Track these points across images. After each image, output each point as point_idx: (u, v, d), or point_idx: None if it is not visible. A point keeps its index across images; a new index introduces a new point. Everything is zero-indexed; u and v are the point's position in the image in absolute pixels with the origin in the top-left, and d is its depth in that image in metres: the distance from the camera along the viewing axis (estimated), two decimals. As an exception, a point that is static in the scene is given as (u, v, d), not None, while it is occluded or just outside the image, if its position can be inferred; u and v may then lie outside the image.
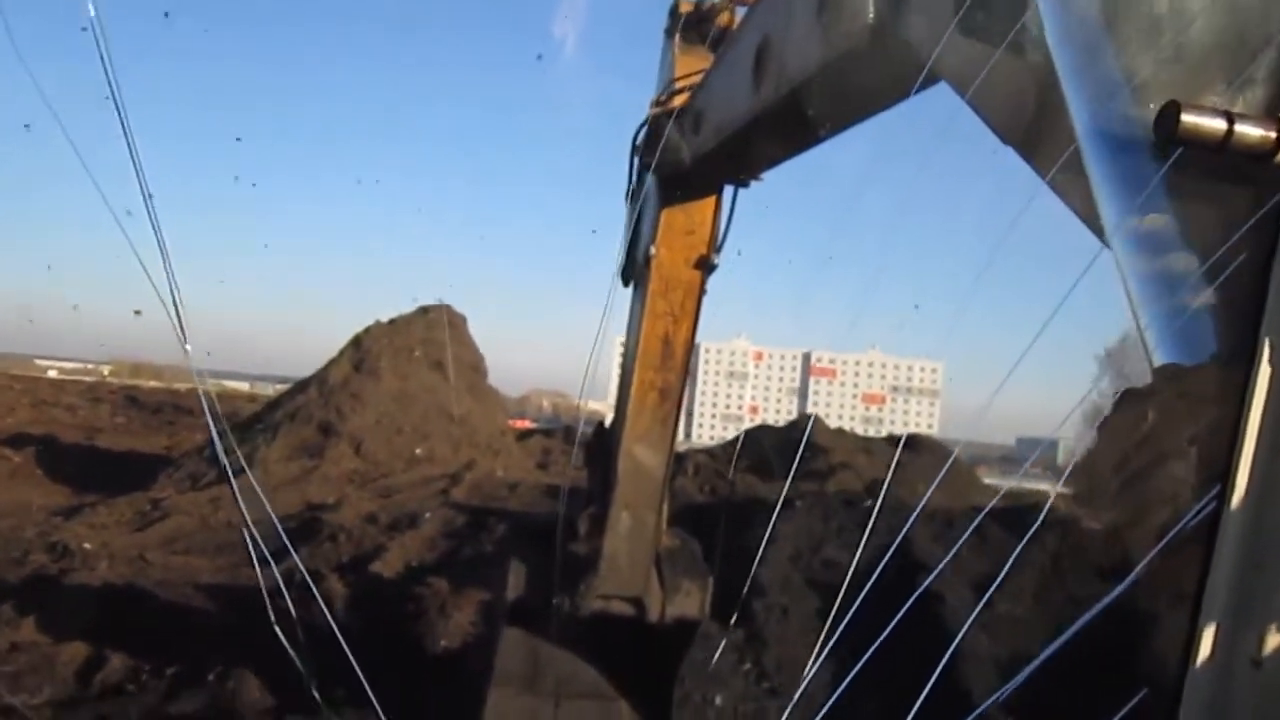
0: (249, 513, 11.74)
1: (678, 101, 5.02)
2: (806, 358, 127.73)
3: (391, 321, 19.56)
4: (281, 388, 23.15)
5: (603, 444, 5.76)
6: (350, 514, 13.70)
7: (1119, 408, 1.73)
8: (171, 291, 2.71)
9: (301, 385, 18.19)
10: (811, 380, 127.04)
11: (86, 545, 12.03)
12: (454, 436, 17.78)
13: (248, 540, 3.78)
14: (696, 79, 4.86)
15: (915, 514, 11.80)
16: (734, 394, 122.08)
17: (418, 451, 16.97)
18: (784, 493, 14.39)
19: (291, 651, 4.15)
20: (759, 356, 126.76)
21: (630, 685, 5.97)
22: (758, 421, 36.78)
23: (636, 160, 5.24)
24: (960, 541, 11.50)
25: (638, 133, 5.16)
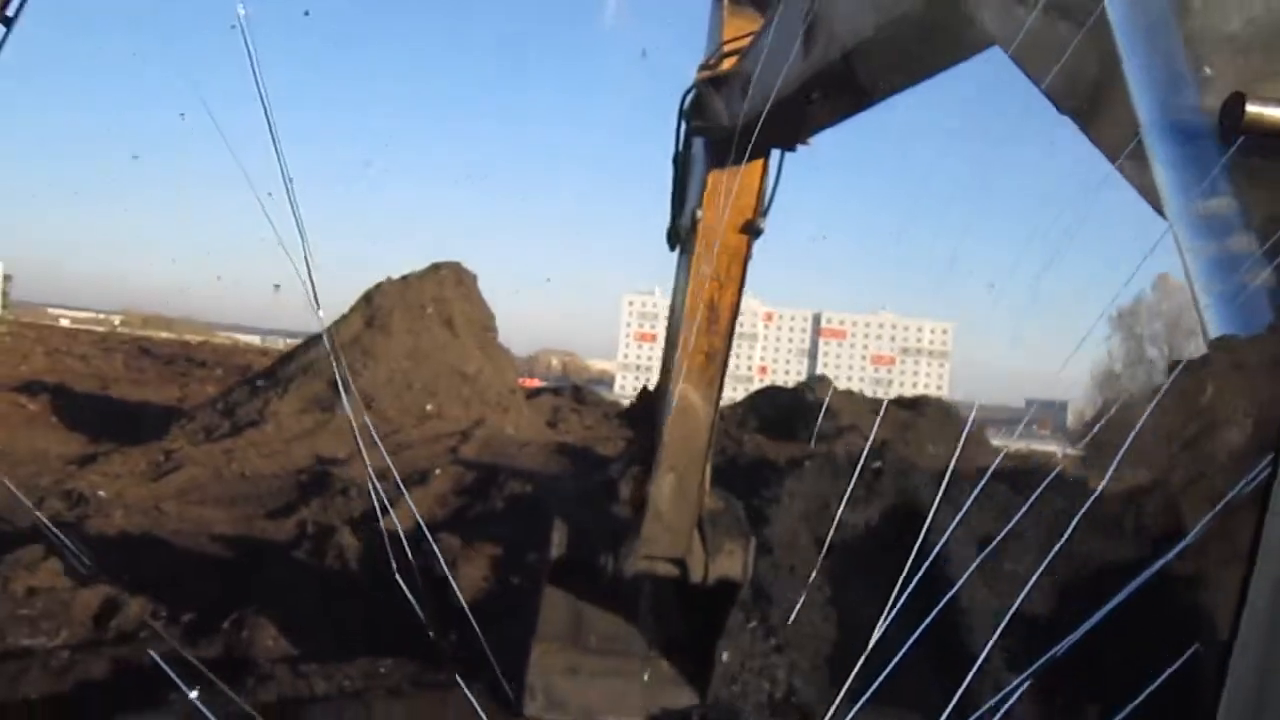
0: (263, 467, 11.75)
1: (727, 65, 5.02)
2: (817, 319, 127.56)
3: (403, 279, 19.62)
4: (293, 342, 23.25)
5: (648, 406, 5.99)
6: (360, 469, 13.81)
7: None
8: (307, 264, 2.92)
9: (313, 340, 18.26)
10: (821, 341, 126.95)
11: (102, 493, 12.18)
12: (464, 394, 17.87)
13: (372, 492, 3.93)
14: (745, 42, 4.83)
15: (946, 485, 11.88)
16: (744, 355, 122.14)
17: (428, 408, 17.07)
18: (808, 451, 14.50)
19: (412, 599, 4.34)
20: (769, 317, 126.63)
21: (672, 645, 6.21)
22: (767, 382, 36.80)
23: (684, 125, 5.24)
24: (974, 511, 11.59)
25: (685, 96, 5.16)
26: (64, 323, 61.81)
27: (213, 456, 14.49)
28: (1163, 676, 1.84)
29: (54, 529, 9.41)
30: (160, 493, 12.62)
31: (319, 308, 3.40)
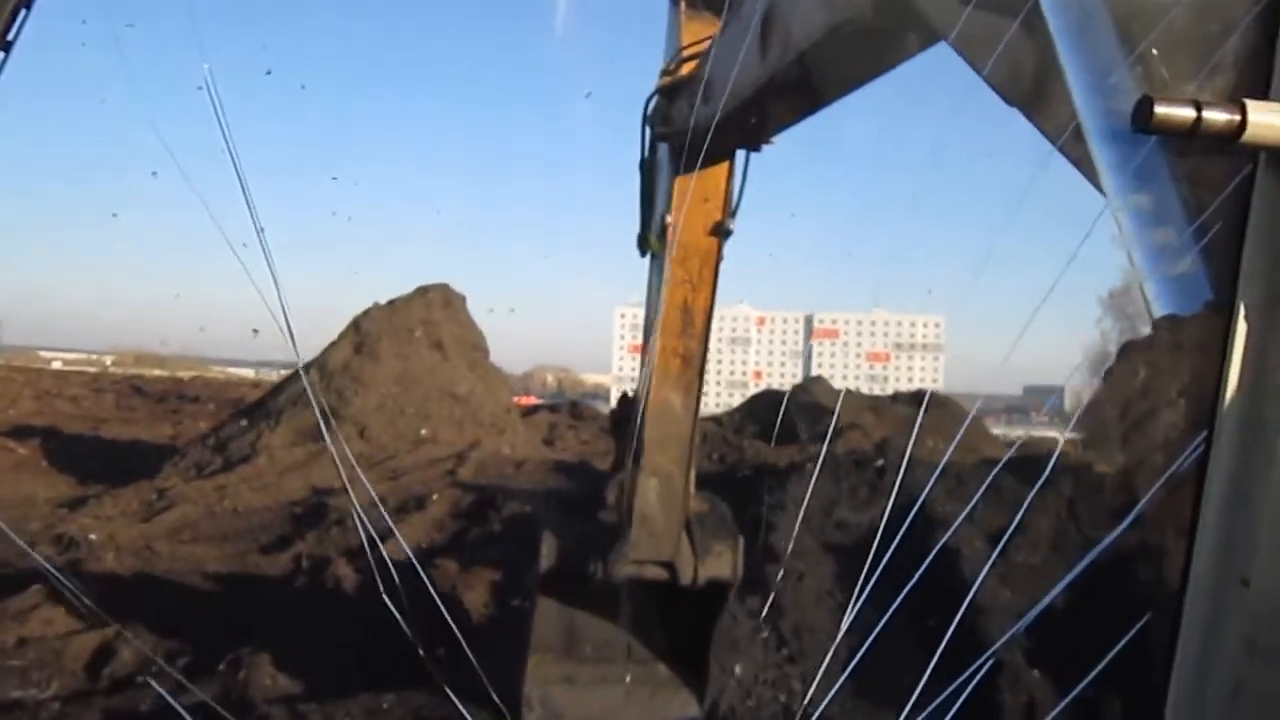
0: (255, 501, 11.53)
1: (686, 70, 5.04)
2: (809, 320, 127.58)
3: (390, 303, 19.40)
4: (286, 373, 23.02)
5: (628, 413, 5.80)
6: (357, 498, 13.57)
7: (1120, 358, 1.89)
8: (284, 313, 2.95)
9: (302, 370, 18.05)
10: (814, 342, 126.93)
11: (93, 536, 11.93)
12: (458, 416, 17.65)
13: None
14: (703, 47, 4.86)
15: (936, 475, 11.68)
16: (738, 360, 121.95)
17: (422, 432, 16.85)
18: (808, 453, 14.30)
19: (406, 628, 4.28)
20: (761, 321, 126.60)
21: (666, 648, 6.17)
22: (763, 386, 36.66)
23: (648, 130, 5.27)
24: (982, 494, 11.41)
25: (648, 103, 5.20)
26: (56, 365, 61.50)
27: (204, 493, 14.25)
28: (1118, 646, 1.92)
29: (53, 571, 9.21)
30: (152, 533, 12.38)
31: (298, 353, 3.49)
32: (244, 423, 17.29)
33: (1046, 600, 5.81)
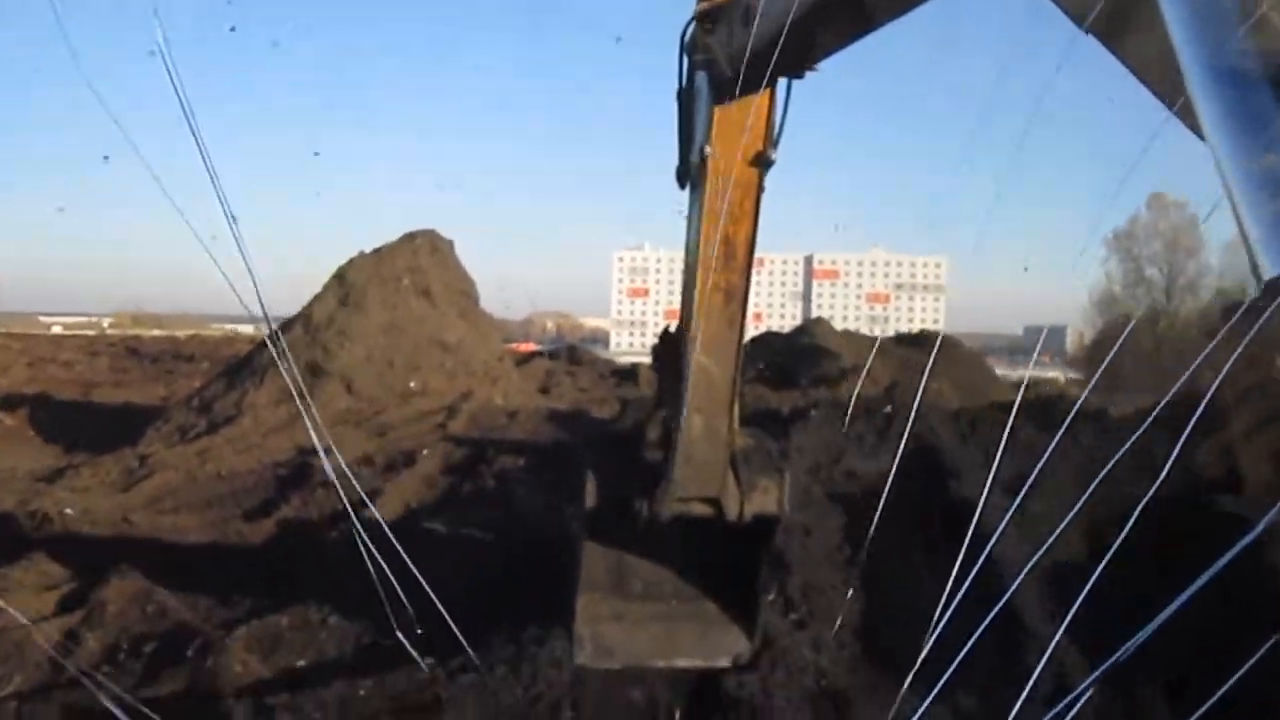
0: (239, 464, 10.95)
1: None
2: (809, 261, 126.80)
3: (376, 251, 18.69)
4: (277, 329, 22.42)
5: (670, 349, 5.71)
6: (344, 456, 13.06)
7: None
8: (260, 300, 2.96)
9: (286, 324, 17.43)
10: (815, 283, 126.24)
11: (68, 511, 11.41)
12: (448, 366, 17.07)
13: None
14: None
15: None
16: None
17: (411, 385, 16.28)
18: (811, 398, 13.78)
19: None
20: (760, 263, 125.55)
21: (714, 585, 6.13)
22: (762, 329, 36.06)
23: (686, 59, 5.12)
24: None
25: (685, 29, 5.00)
26: (56, 329, 61.08)
27: (186, 458, 13.72)
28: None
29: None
30: (130, 503, 11.86)
31: (267, 315, 3.38)
32: (233, 377, 16.70)
33: (1163, 616, 5.34)
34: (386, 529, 4.88)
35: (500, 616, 6.84)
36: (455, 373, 17.01)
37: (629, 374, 25.29)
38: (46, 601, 8.42)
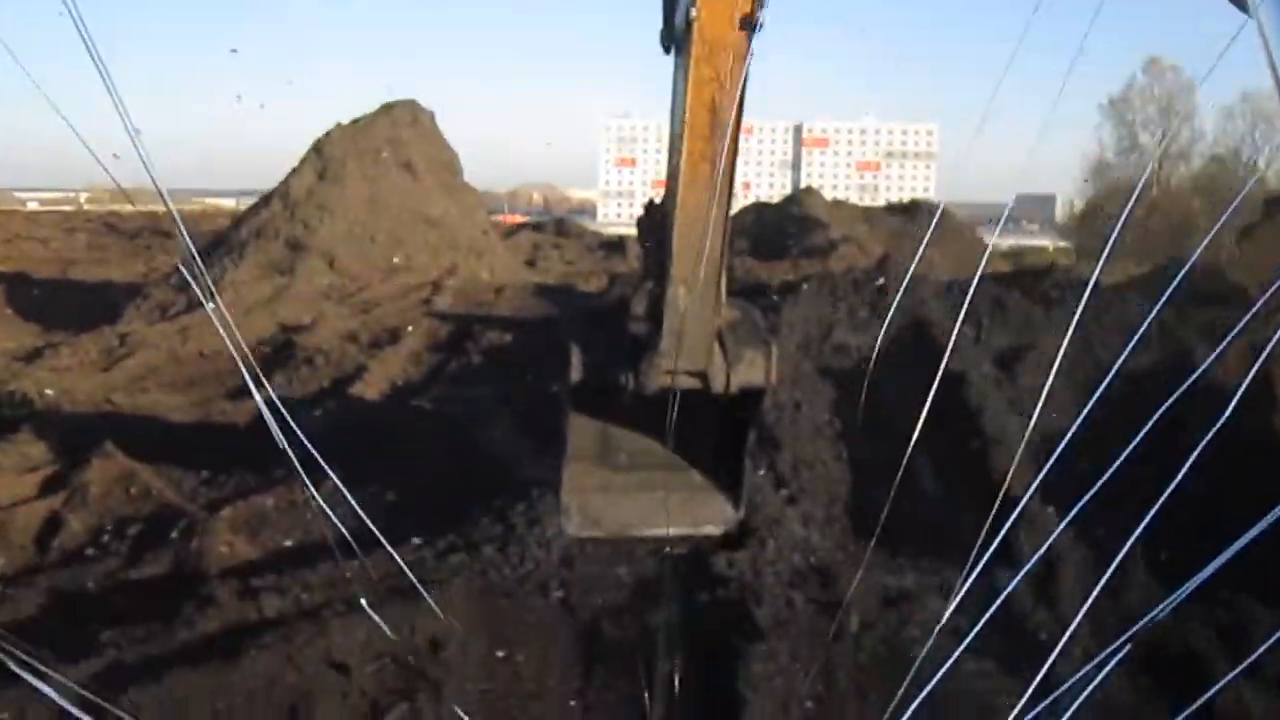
0: (220, 342, 10.79)
1: None
2: (799, 129, 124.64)
3: (354, 123, 18.11)
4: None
5: (655, 221, 5.56)
6: (327, 333, 12.88)
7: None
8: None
9: (264, 199, 17.02)
10: (804, 151, 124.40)
11: (48, 391, 11.26)
12: (432, 241, 16.74)
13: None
14: None
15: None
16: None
17: (395, 260, 15.99)
18: (802, 271, 13.60)
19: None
20: (749, 131, 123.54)
21: (701, 455, 6.11)
22: (751, 199, 35.52)
23: None
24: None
25: None
26: (32, 205, 59.86)
27: (167, 337, 13.52)
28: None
29: None
30: (112, 383, 11.70)
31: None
32: (212, 253, 16.37)
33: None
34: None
35: (488, 494, 6.77)
36: (439, 247, 16.70)
37: (617, 246, 24.98)
38: (28, 484, 8.31)
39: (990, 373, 9.93)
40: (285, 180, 17.09)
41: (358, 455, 8.21)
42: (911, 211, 27.25)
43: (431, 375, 11.67)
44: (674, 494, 6.12)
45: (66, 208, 56.53)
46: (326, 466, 3.26)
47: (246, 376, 2.85)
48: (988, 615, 3.12)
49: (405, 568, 4.36)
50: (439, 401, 9.86)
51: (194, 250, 5.03)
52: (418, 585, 4.52)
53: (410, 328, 13.05)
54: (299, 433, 2.90)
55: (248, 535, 6.94)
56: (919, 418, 9.16)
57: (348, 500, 7.31)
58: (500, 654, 5.04)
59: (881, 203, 28.85)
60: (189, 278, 4.61)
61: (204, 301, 2.86)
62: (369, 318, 13.70)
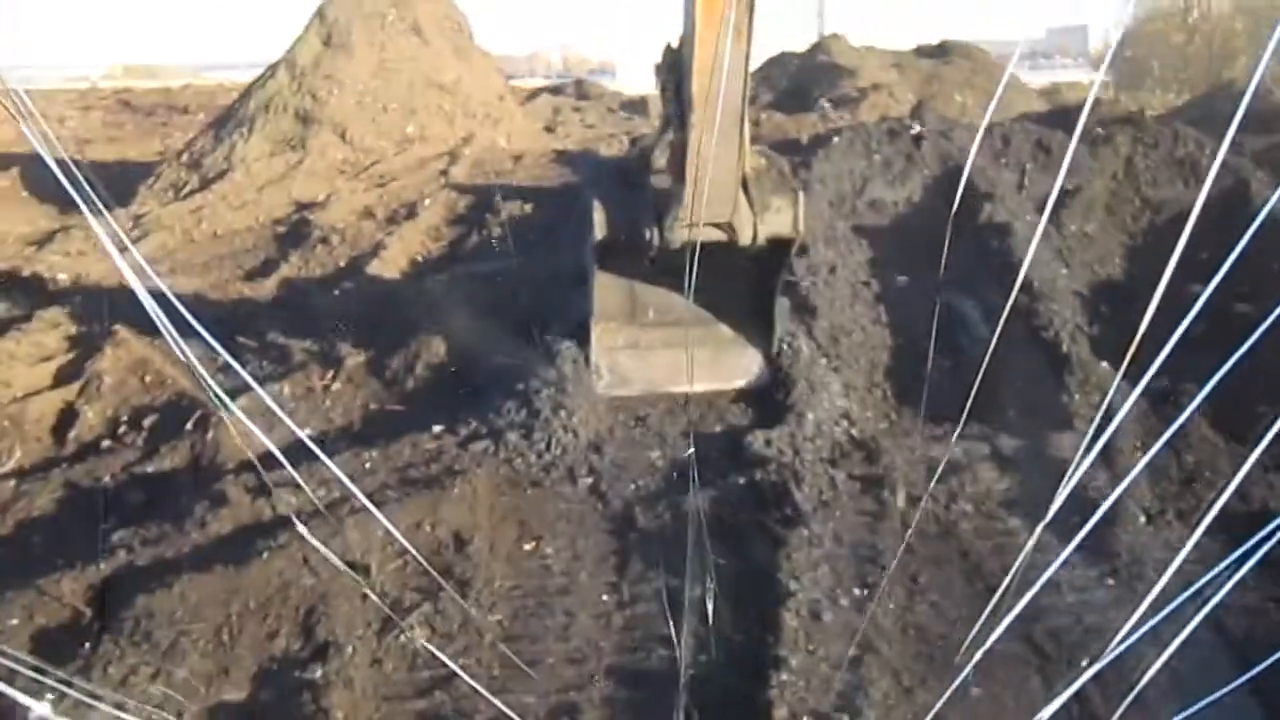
0: (236, 221, 10.33)
1: None
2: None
3: (356, -19, 17.20)
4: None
5: (674, 65, 5.43)
6: (342, 210, 12.46)
7: None
8: None
9: (271, 69, 16.37)
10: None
11: (61, 277, 11.00)
12: (446, 109, 16.06)
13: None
14: None
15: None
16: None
17: (409, 130, 15.38)
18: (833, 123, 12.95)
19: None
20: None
21: (730, 309, 6.26)
22: (775, 49, 34.01)
23: None
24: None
25: None
26: (44, 84, 58.82)
27: (181, 217, 13.13)
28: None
29: None
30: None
31: None
32: (215, 135, 15.82)
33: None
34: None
35: (511, 377, 6.46)
36: (454, 115, 16.03)
37: (638, 106, 24.11)
38: (42, 375, 8.11)
39: (1035, 221, 9.43)
40: (291, 48, 16.38)
41: (376, 336, 7.94)
42: (943, 54, 26.03)
43: (451, 249, 11.26)
44: (702, 350, 6.19)
45: (81, 85, 55.59)
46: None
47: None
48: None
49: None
50: (458, 279, 9.48)
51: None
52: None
53: (427, 201, 12.58)
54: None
55: (264, 426, 6.70)
56: (960, 274, 8.70)
57: (367, 386, 7.08)
58: (528, 547, 4.80)
59: (913, 46, 27.49)
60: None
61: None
62: (385, 192, 13.22)
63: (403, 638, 4.01)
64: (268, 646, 4.01)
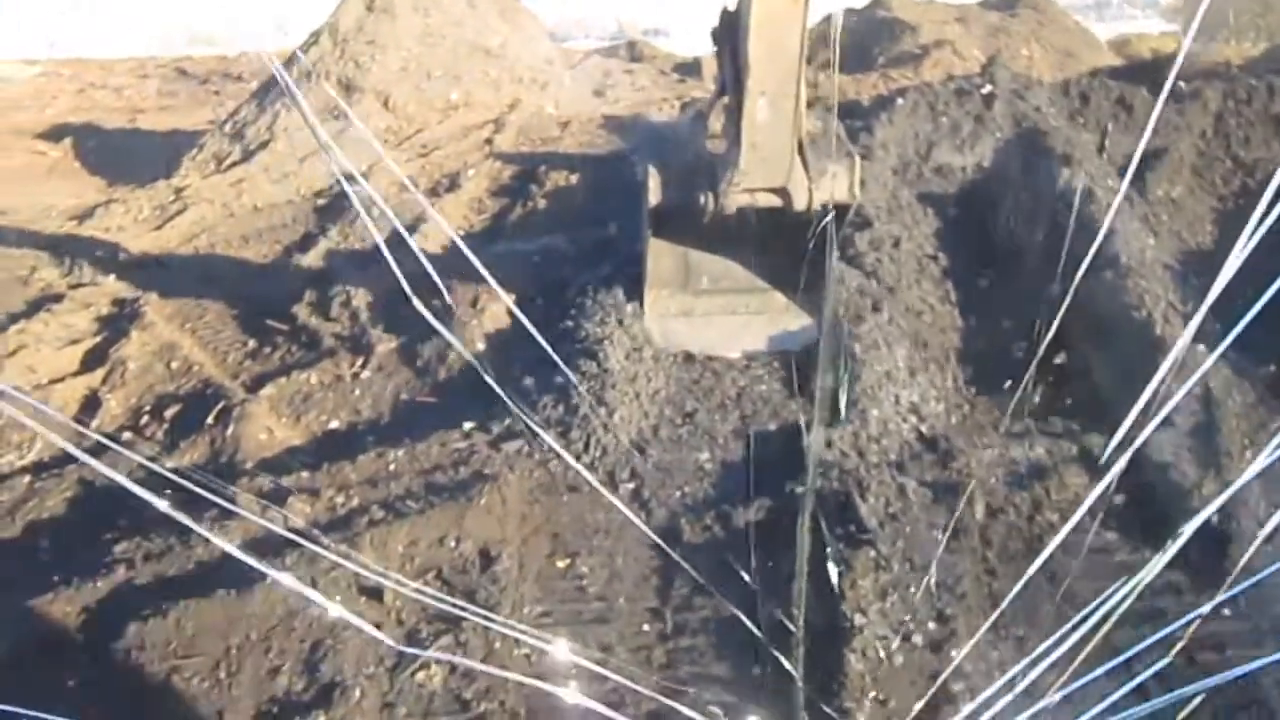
0: (276, 194, 9.91)
1: None
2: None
3: (401, -54, 16.72)
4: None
5: (730, 28, 5.31)
6: (385, 180, 12.04)
7: None
8: None
9: (314, 35, 15.97)
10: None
11: (99, 254, 10.72)
12: (492, 75, 15.56)
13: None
14: None
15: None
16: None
17: (453, 97, 14.92)
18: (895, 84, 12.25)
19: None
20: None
21: (784, 276, 6.15)
22: (832, 4, 32.92)
23: None
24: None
25: None
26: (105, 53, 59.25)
27: (221, 190, 12.80)
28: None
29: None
30: (163, 242, 11.09)
31: None
32: (258, 104, 15.46)
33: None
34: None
35: (549, 365, 6.00)
36: (500, 81, 15.53)
37: (692, 68, 23.39)
38: (68, 359, 7.83)
39: (1118, 186, 8.75)
40: (334, 14, 15.96)
41: (411, 321, 7.52)
42: (1009, 5, 24.92)
43: (494, 222, 10.81)
44: (756, 317, 6.12)
45: (140, 54, 55.91)
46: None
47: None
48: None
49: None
50: (500, 257, 9.03)
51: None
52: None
53: (471, 171, 12.13)
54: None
55: (289, 418, 6.32)
56: (1037, 246, 7.98)
57: (398, 375, 6.63)
58: (561, 564, 4.34)
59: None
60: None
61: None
62: (428, 162, 12.79)
63: (418, 676, 3.58)
64: (268, 686, 3.60)
